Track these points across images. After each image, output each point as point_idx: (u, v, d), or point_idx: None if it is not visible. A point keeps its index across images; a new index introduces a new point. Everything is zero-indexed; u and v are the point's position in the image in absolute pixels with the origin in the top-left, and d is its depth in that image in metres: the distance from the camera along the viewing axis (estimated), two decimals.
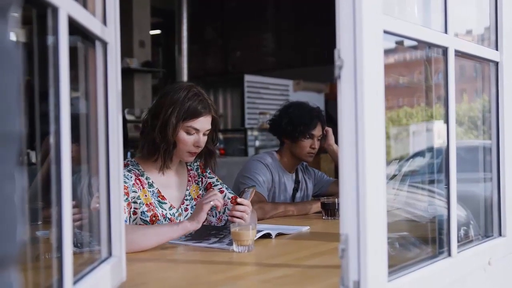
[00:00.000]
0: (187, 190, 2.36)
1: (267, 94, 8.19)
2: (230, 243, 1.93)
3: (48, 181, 1.04)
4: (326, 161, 6.75)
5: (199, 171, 2.43)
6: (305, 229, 2.38)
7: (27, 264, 1.07)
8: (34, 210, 1.47)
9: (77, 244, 1.35)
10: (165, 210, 2.24)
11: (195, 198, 2.37)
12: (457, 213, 1.58)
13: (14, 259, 0.59)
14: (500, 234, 1.83)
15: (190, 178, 2.39)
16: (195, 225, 1.98)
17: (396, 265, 1.34)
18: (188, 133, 2.21)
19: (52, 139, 1.00)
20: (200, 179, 2.42)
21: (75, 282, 1.08)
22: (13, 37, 0.60)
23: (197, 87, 2.26)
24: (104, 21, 1.35)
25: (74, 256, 1.05)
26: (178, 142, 2.22)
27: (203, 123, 2.22)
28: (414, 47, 1.73)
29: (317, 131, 3.03)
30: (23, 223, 0.60)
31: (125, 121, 4.36)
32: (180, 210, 2.30)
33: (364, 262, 1.16)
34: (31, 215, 1.35)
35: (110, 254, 1.38)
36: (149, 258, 1.85)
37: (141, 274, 1.62)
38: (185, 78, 8.45)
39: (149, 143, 2.22)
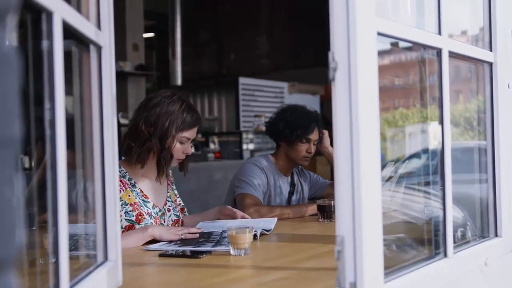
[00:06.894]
0: (168, 192, 2.47)
1: (262, 96, 8.19)
2: (229, 245, 1.92)
3: (42, 186, 1.04)
4: (322, 163, 6.75)
5: (173, 179, 2.56)
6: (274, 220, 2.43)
7: (22, 269, 1.06)
8: (29, 216, 1.46)
9: (71, 248, 1.34)
10: (149, 208, 2.32)
11: (174, 201, 2.48)
12: (454, 214, 1.58)
13: (13, 262, 0.60)
14: (496, 235, 1.83)
15: (169, 182, 2.51)
16: (154, 233, 2.11)
17: (392, 266, 1.34)
18: (181, 142, 2.32)
19: (47, 144, 0.99)
20: (174, 186, 2.54)
21: (71, 287, 1.08)
22: (11, 41, 0.60)
23: (184, 96, 2.38)
24: (99, 25, 1.35)
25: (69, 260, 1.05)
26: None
27: (195, 133, 2.37)
28: (408, 49, 1.74)
29: (314, 136, 3.02)
30: (21, 227, 0.61)
31: (119, 125, 4.42)
32: (163, 210, 2.40)
33: (360, 264, 1.16)
34: (26, 220, 1.35)
35: (106, 258, 1.37)
36: (145, 262, 1.84)
37: (137, 279, 1.62)
38: (179, 81, 8.43)
39: (145, 151, 2.28)
